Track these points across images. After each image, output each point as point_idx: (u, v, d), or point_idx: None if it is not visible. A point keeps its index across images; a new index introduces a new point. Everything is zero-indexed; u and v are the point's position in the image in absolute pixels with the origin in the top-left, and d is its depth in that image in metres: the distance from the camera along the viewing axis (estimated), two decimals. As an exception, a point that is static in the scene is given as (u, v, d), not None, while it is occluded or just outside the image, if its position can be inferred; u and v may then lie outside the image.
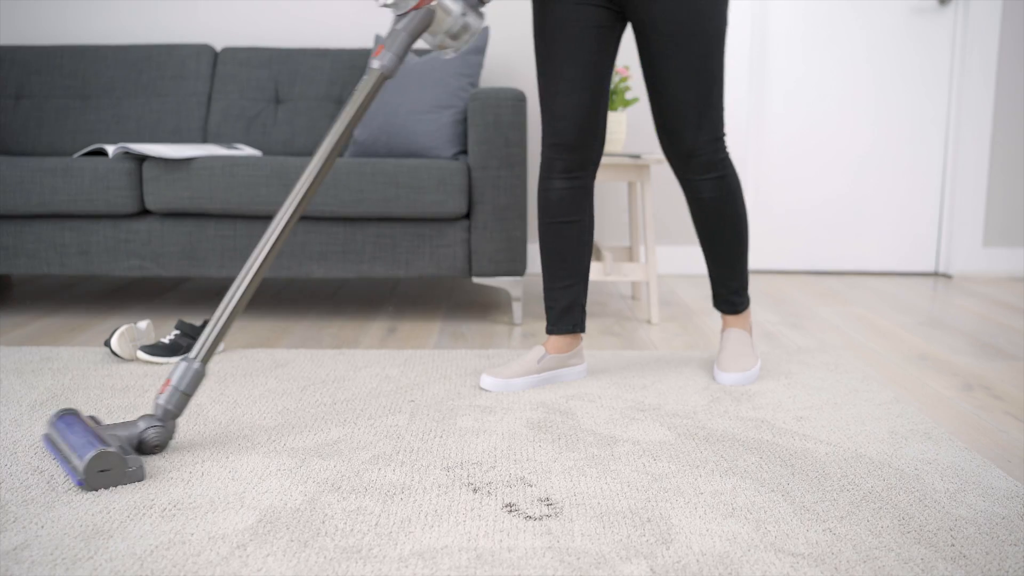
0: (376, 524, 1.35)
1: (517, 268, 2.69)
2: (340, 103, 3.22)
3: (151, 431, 1.59)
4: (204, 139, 3.23)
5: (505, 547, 1.28)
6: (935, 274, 3.80)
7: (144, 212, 2.67)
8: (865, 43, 3.64)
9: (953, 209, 3.71)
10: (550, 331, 2.12)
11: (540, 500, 1.44)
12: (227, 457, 1.61)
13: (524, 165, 2.64)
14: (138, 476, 1.50)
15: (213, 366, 2.20)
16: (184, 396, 1.62)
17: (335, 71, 3.25)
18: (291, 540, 1.29)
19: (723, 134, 2.01)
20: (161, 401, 1.61)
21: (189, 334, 2.26)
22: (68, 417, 1.60)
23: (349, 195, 2.59)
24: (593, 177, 2.06)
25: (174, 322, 2.72)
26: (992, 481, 1.54)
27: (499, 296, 3.22)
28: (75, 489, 1.45)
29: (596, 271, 2.84)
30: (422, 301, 3.11)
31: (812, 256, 3.77)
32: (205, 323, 2.31)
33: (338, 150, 1.76)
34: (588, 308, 3.01)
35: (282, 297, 3.14)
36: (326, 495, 1.45)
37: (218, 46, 3.55)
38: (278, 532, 1.32)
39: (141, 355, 2.20)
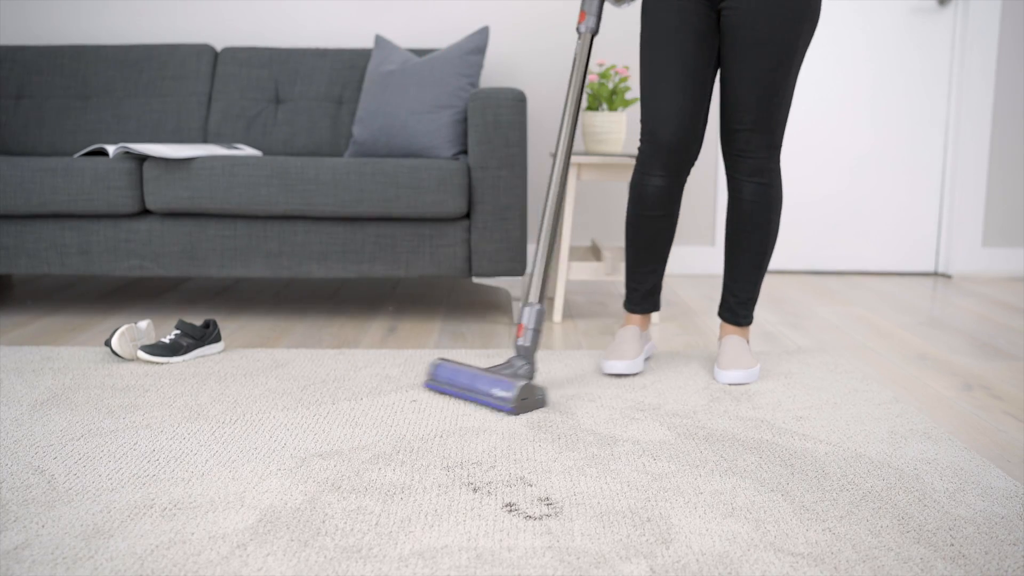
0: (376, 524, 1.35)
1: (517, 268, 2.69)
2: (340, 103, 3.22)
3: (523, 367, 1.94)
4: (204, 139, 3.23)
5: (505, 547, 1.28)
6: (935, 274, 3.80)
7: (144, 212, 2.68)
8: (865, 43, 3.64)
9: (953, 209, 3.71)
10: (633, 310, 2.28)
11: (540, 500, 1.44)
12: (227, 457, 1.61)
13: (524, 165, 2.64)
14: (544, 403, 1.90)
15: (213, 366, 2.20)
16: (536, 333, 1.97)
17: (335, 71, 3.25)
18: (291, 540, 1.29)
19: (780, 144, 2.09)
20: (521, 342, 1.96)
21: (189, 334, 2.26)
22: (446, 364, 1.97)
23: (349, 195, 2.59)
24: (687, 175, 2.18)
25: (174, 322, 2.73)
26: (991, 481, 1.54)
27: (499, 296, 3.22)
28: (75, 488, 1.46)
29: (596, 271, 2.85)
30: (422, 301, 3.11)
31: (812, 256, 3.78)
32: (206, 323, 2.32)
33: (578, 108, 2.06)
34: (588, 308, 3.02)
35: (282, 297, 3.14)
36: (326, 495, 1.45)
37: (218, 46, 3.56)
38: (278, 532, 1.32)
39: (141, 355, 2.21)
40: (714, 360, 2.31)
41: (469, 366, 1.95)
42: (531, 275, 2.00)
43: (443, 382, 1.97)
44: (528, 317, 1.97)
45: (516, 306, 2.74)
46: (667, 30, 2.04)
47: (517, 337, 1.97)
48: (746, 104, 2.03)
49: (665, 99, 2.06)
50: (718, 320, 2.85)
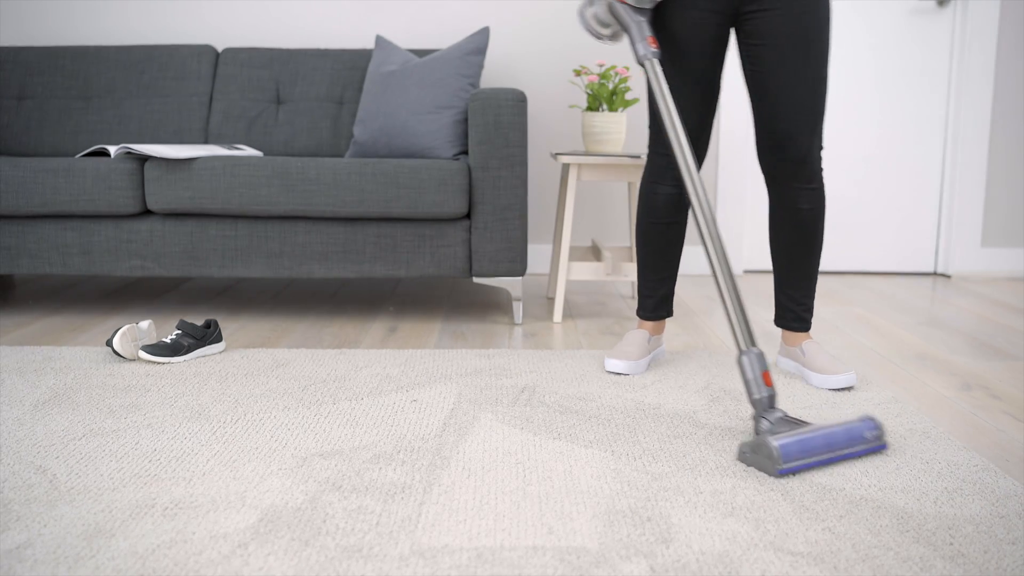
0: (377, 523, 1.35)
1: (517, 268, 2.69)
2: (341, 103, 3.23)
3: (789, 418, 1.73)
4: (205, 140, 3.23)
5: (506, 546, 1.28)
6: (934, 274, 3.80)
7: (146, 212, 2.68)
8: (864, 44, 3.64)
9: (952, 209, 3.71)
10: (646, 317, 2.28)
11: (540, 498, 1.44)
12: (228, 456, 1.62)
13: (524, 165, 2.64)
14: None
15: (214, 366, 2.20)
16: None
17: (336, 72, 3.25)
18: (292, 539, 1.30)
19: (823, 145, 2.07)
20: (770, 392, 1.71)
21: (190, 334, 2.27)
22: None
23: (350, 195, 2.59)
24: None
25: (175, 322, 2.73)
26: (990, 480, 1.54)
27: (499, 296, 3.22)
28: (77, 488, 1.46)
29: (596, 271, 2.85)
30: (422, 301, 3.12)
31: (812, 256, 3.78)
32: (207, 323, 2.32)
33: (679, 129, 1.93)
34: (588, 308, 3.02)
35: (283, 297, 3.15)
36: (327, 494, 1.45)
37: (219, 47, 3.56)
38: (279, 531, 1.32)
39: (143, 355, 2.21)
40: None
41: (805, 428, 1.64)
42: (737, 313, 1.78)
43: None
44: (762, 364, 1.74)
45: (516, 306, 2.75)
46: (681, 43, 2.03)
47: (768, 385, 1.71)
48: (804, 106, 1.99)
49: (682, 112, 2.08)
50: (718, 319, 2.85)
